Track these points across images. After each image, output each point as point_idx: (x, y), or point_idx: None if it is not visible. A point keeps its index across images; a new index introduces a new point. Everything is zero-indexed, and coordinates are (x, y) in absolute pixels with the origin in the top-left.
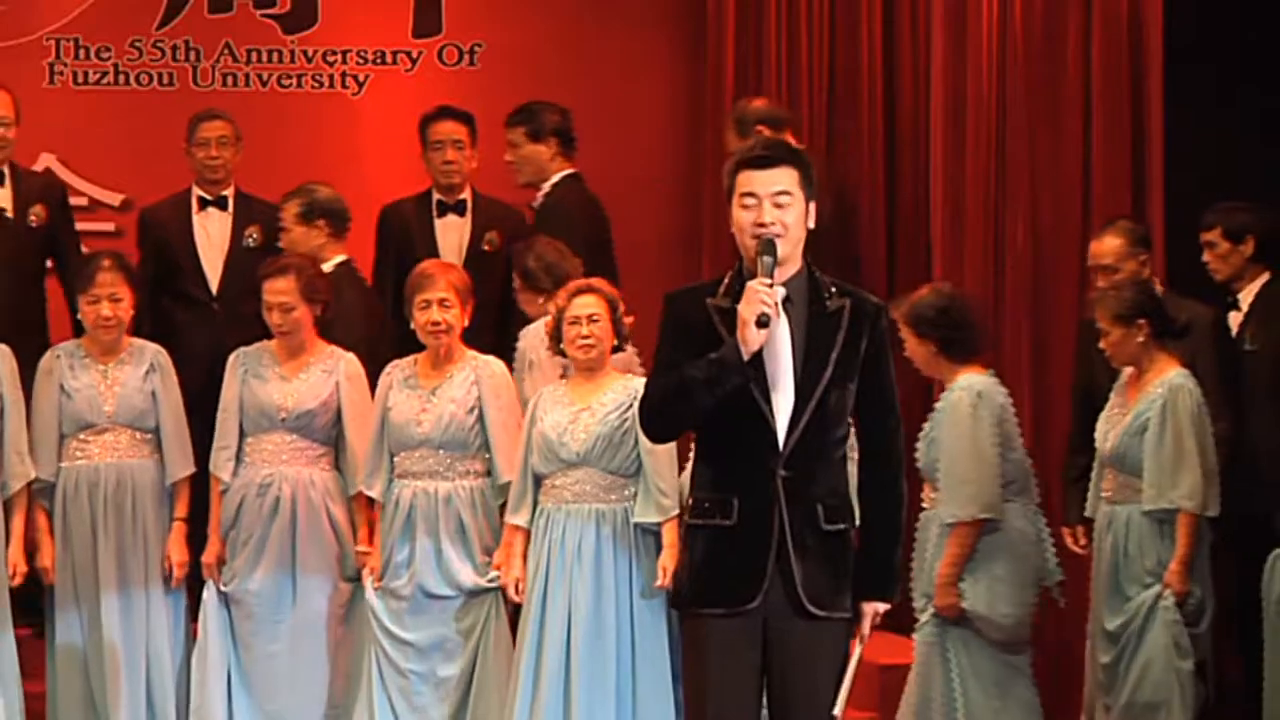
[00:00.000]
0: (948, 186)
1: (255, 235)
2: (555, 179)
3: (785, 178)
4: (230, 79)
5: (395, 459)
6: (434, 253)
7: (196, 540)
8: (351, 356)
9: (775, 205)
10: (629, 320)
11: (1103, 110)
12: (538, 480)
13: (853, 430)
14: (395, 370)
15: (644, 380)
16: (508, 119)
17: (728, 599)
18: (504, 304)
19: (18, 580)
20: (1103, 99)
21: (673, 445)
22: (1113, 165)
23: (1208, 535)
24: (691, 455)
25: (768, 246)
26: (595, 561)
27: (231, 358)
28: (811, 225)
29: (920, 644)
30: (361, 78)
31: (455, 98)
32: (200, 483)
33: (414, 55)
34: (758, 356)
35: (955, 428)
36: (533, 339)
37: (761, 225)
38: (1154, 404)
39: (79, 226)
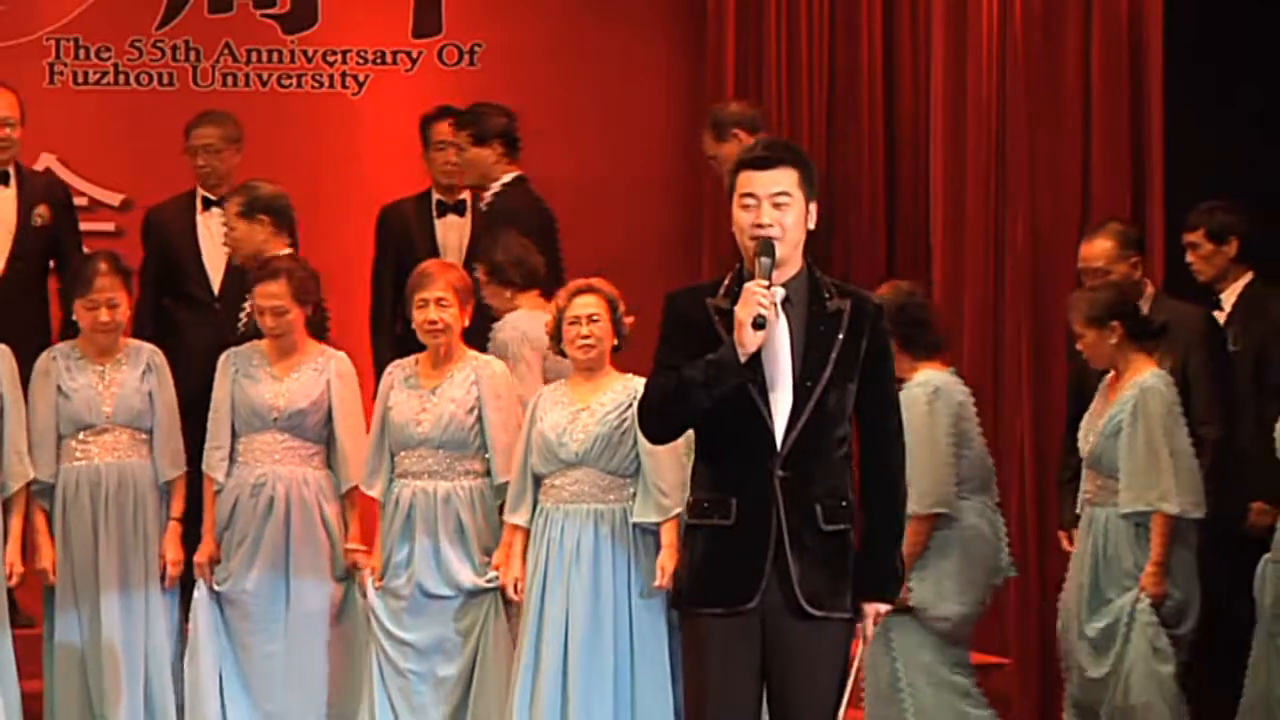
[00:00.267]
0: (948, 186)
1: None
2: (502, 181)
3: (785, 178)
4: (230, 79)
5: (395, 459)
6: (434, 253)
7: (191, 540)
8: (343, 355)
9: (774, 206)
10: (629, 320)
11: (1103, 110)
12: (537, 480)
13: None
14: (396, 370)
15: (644, 380)
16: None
17: (726, 599)
18: None
19: (13, 581)
20: (1103, 99)
21: (677, 444)
22: (1112, 165)
23: (1190, 536)
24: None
25: (766, 248)
26: (594, 561)
27: (222, 358)
28: (812, 226)
29: None
30: (361, 78)
31: (455, 98)
32: (195, 482)
33: (414, 55)
34: (756, 356)
35: (910, 423)
36: (510, 332)
37: (760, 226)
38: (1125, 405)
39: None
